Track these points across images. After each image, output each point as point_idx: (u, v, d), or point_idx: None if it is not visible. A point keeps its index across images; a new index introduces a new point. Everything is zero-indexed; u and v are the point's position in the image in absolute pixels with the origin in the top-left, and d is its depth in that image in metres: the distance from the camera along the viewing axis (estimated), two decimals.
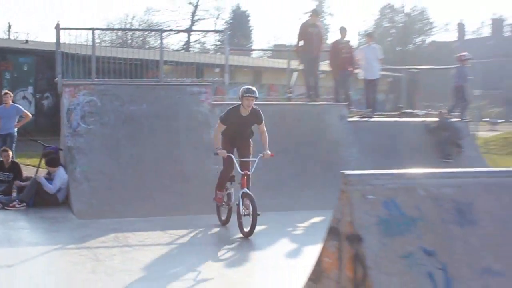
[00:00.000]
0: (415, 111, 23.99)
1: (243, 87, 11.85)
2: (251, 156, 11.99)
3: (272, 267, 9.43)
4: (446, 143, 18.18)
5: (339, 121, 17.31)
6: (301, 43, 18.61)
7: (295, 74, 22.04)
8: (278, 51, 56.31)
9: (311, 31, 18.50)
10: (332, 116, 17.35)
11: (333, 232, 5.14)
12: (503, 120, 59.74)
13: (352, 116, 18.52)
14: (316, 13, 20.02)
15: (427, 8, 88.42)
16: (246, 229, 11.13)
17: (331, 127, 16.99)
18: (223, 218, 12.28)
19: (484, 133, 36.55)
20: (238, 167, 11.60)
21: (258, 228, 12.27)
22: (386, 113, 21.74)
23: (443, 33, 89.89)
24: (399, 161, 14.90)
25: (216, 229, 12.24)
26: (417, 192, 5.08)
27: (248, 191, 11.35)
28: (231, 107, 12.02)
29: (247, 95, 11.41)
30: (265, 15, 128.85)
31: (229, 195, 12.09)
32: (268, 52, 69.40)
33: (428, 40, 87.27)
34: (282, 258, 9.94)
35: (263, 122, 11.96)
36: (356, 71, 19.80)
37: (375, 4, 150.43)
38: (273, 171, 15.09)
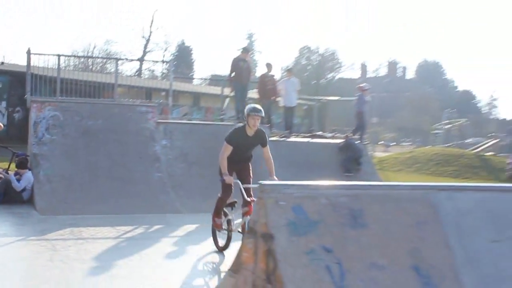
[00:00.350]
0: (324, 133, 24.26)
1: (249, 106, 9.72)
2: (251, 180, 9.83)
3: (201, 258, 9.42)
4: (348, 160, 18.45)
5: None
6: (233, 74, 18.69)
7: (227, 100, 22.16)
8: (214, 80, 56.35)
9: (241, 65, 18.62)
10: None
11: (250, 231, 5.16)
12: (395, 143, 60.93)
13: (273, 136, 18.62)
14: (246, 50, 20.12)
15: (337, 50, 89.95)
16: None
17: None
18: (221, 244, 9.94)
19: (379, 153, 37.24)
20: (244, 194, 9.35)
21: (192, 226, 12.29)
22: (301, 135, 21.93)
23: (349, 71, 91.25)
24: (310, 174, 15.02)
25: (158, 226, 12.15)
26: (320, 200, 5.14)
27: None
28: (236, 127, 9.93)
29: (253, 113, 9.32)
30: (205, 50, 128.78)
31: (229, 221, 9.90)
32: (206, 80, 69.33)
33: (337, 76, 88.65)
34: (211, 251, 9.90)
35: (268, 145, 9.77)
36: (278, 99, 19.96)
37: (296, 45, 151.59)
38: (204, 178, 15.12)
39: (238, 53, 19.62)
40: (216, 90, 32.37)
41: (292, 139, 19.30)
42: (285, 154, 17.25)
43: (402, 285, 5.18)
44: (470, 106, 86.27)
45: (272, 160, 9.66)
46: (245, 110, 9.53)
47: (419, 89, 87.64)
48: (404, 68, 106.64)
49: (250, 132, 9.47)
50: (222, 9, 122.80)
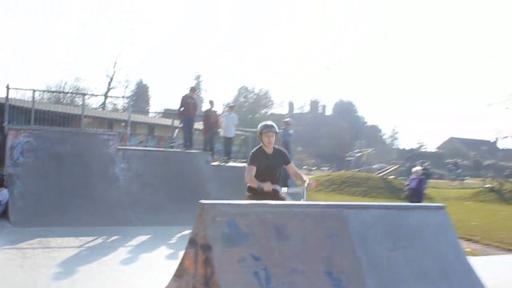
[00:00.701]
0: None
1: (260, 124, 8.04)
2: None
3: (153, 265, 9.28)
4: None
5: (205, 164, 17.38)
6: (182, 109, 18.80)
7: (176, 130, 22.10)
8: (166, 113, 55.97)
9: (189, 101, 18.75)
10: (200, 160, 17.43)
11: (192, 242, 5.13)
12: (316, 168, 61.61)
13: (214, 161, 18.63)
14: (193, 89, 20.22)
15: (269, 90, 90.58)
16: None
17: (199, 168, 17.03)
18: None
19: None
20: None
21: (145, 237, 12.11)
22: (238, 160, 21.96)
23: (279, 108, 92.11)
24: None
25: (115, 237, 11.90)
26: (250, 217, 5.16)
27: None
28: (254, 148, 8.03)
29: (266, 131, 7.78)
30: (159, 88, 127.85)
31: None
32: (159, 113, 68.80)
33: (269, 112, 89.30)
34: (161, 259, 9.79)
35: (292, 162, 8.20)
36: (219, 130, 20.07)
37: (235, 85, 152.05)
38: (157, 195, 15.02)
39: (187, 91, 19.71)
40: (168, 121, 32.22)
41: (231, 164, 19.34)
42: (225, 176, 17.25)
43: (317, 287, 5.24)
44: (376, 138, 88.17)
45: (299, 172, 8.12)
46: (258, 129, 7.96)
47: (336, 124, 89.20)
48: (324, 106, 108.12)
49: (268, 150, 7.85)
50: (175, 53, 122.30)
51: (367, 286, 5.56)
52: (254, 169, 7.70)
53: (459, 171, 52.77)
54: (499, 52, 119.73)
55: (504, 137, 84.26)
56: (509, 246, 15.02)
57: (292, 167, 8.04)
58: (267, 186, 7.53)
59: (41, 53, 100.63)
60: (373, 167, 49.88)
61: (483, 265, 10.26)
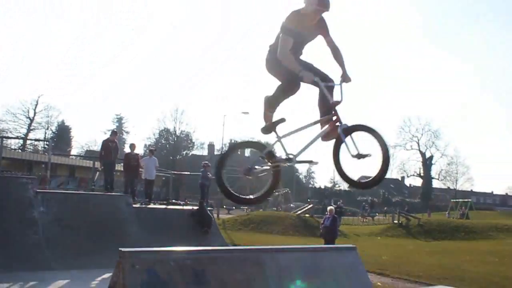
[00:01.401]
0: (178, 201, 24.12)
1: None
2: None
3: None
4: (199, 222, 18.33)
5: (126, 206, 16.94)
6: (103, 152, 18.55)
7: (98, 173, 21.65)
8: (88, 156, 54.66)
9: (110, 145, 18.62)
10: (121, 202, 16.99)
11: None
12: (235, 207, 61.61)
13: (135, 203, 18.24)
14: (114, 133, 20.09)
15: (191, 132, 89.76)
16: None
17: (120, 210, 16.57)
18: None
19: (223, 215, 37.47)
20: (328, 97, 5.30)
21: (63, 281, 11.56)
22: (159, 202, 21.67)
23: (200, 150, 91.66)
24: (166, 235, 14.86)
25: (32, 283, 11.29)
26: (169, 263, 5.06)
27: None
28: (290, 11, 5.29)
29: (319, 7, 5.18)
30: (81, 130, 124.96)
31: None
32: (81, 156, 66.94)
33: (190, 153, 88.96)
34: None
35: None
36: (141, 171, 19.84)
37: (156, 127, 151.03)
38: (77, 239, 14.46)
39: (108, 135, 19.51)
40: (89, 163, 31.43)
41: (151, 206, 19.08)
42: (146, 218, 16.92)
43: None
44: (293, 177, 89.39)
45: (341, 52, 5.45)
46: (307, 6, 5.22)
47: None
48: None
49: (308, 18, 5.27)
50: (97, 95, 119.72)
51: None
52: (290, 42, 5.28)
53: (385, 209, 54.92)
54: (401, 91, 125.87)
55: (409, 176, 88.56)
56: (416, 279, 15.53)
57: (330, 39, 5.50)
58: (308, 76, 5.21)
59: (41, 53, 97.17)
60: (290, 205, 50.47)
61: None
